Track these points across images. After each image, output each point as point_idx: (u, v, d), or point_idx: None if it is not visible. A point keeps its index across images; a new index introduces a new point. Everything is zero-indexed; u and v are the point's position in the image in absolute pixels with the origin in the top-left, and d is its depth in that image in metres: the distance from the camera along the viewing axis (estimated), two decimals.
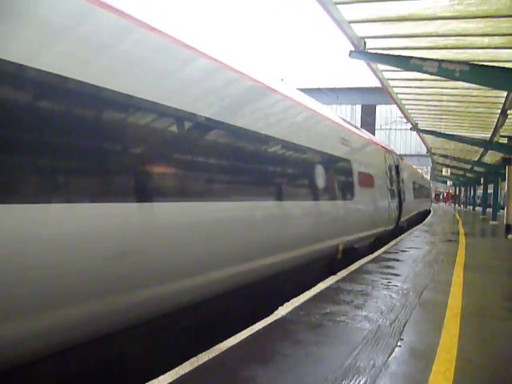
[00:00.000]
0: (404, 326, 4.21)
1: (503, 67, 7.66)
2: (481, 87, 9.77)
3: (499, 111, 12.26)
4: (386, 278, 6.54)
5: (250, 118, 5.11)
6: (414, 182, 20.15)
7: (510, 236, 14.96)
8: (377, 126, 50.54)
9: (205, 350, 3.42)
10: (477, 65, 7.92)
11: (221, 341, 3.65)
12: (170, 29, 3.89)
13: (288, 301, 4.96)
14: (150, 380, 2.92)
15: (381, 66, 10.02)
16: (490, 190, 32.04)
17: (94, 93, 2.98)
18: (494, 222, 22.37)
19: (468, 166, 30.44)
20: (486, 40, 7.70)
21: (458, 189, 56.10)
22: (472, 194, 45.49)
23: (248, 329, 3.98)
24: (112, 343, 3.36)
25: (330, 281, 6.20)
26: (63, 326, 2.84)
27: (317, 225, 7.02)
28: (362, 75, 43.83)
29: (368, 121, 47.45)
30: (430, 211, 32.70)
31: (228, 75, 4.80)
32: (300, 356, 3.40)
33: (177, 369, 3.09)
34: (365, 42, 8.42)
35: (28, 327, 2.62)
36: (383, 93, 13.55)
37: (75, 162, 2.92)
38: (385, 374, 3.11)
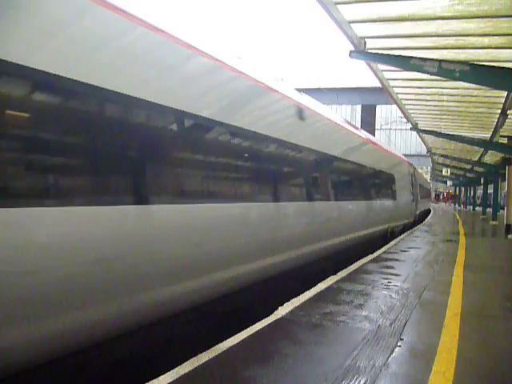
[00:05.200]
0: (404, 326, 4.21)
1: (503, 67, 7.65)
2: (481, 87, 9.77)
3: (499, 111, 12.25)
4: (386, 278, 6.54)
5: None
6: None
7: (510, 236, 14.96)
8: (377, 126, 50.56)
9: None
10: (477, 65, 7.91)
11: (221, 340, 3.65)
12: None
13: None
14: (150, 380, 2.92)
15: (381, 66, 10.02)
16: (490, 190, 32.04)
17: None
18: (494, 222, 22.35)
19: (468, 166, 30.43)
20: (486, 40, 7.70)
21: (457, 189, 56.08)
22: (472, 194, 45.48)
23: (248, 329, 3.98)
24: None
25: (330, 281, 6.20)
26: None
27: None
28: (362, 75, 43.83)
29: (368, 121, 47.46)
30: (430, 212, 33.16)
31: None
32: (300, 356, 3.40)
33: (177, 369, 3.08)
34: (365, 42, 8.41)
35: None
36: (383, 93, 13.54)
37: None
38: (385, 374, 3.11)
